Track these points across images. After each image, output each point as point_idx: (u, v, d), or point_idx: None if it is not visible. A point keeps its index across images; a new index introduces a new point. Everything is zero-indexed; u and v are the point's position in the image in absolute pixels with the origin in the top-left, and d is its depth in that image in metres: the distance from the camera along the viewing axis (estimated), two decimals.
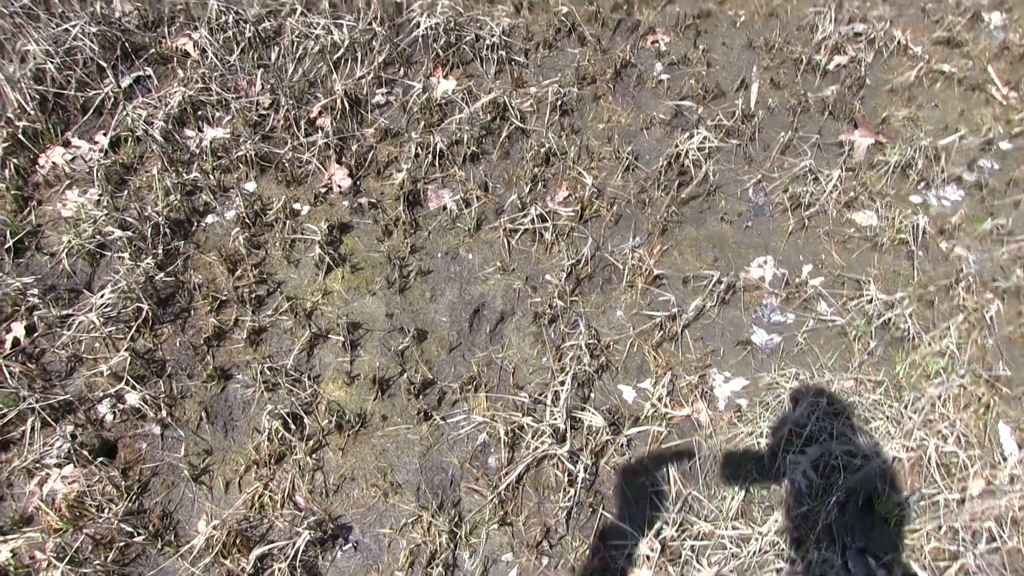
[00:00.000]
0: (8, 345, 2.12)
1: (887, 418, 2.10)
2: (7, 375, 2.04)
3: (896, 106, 2.90)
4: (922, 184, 2.66)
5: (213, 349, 2.17)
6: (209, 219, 2.39)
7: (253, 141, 2.50)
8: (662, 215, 2.53)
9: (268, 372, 2.12)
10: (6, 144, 2.41)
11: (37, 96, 2.50)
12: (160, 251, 2.28)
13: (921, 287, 2.39)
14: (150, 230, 2.30)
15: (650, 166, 2.66)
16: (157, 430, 2.05)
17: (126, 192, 2.40)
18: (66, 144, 2.48)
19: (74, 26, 2.63)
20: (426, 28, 2.85)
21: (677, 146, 2.70)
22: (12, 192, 2.36)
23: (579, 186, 2.57)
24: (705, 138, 2.72)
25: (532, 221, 2.45)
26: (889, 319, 2.29)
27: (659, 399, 2.15)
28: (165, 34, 2.77)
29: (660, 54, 3.04)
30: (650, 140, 2.74)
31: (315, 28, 2.80)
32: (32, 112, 2.47)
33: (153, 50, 2.71)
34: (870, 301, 2.33)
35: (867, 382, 2.18)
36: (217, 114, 2.57)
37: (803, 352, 2.26)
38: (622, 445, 2.06)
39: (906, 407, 2.13)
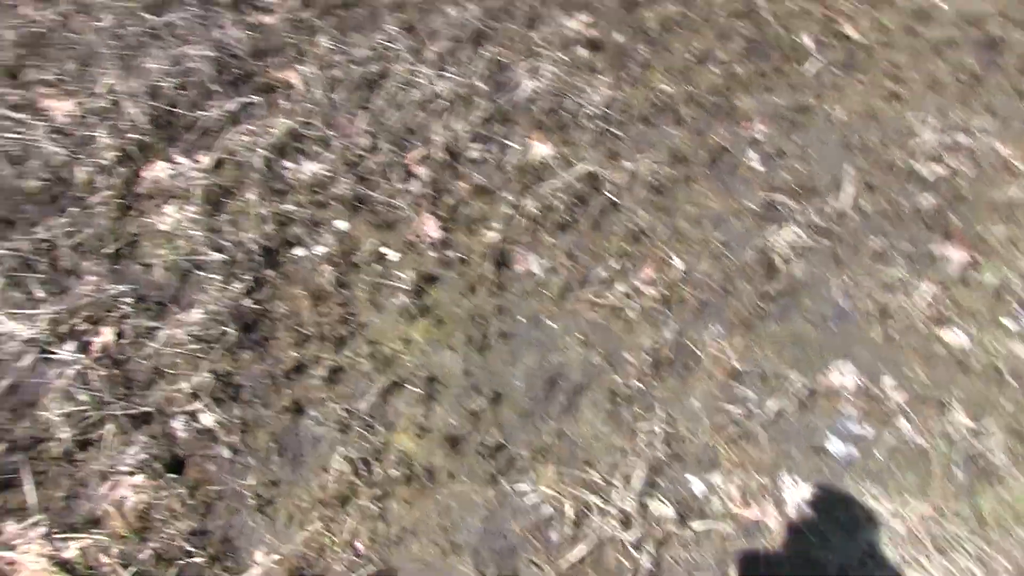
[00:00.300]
0: (98, 349, 2.29)
1: (969, 554, 2.17)
2: (94, 378, 2.21)
3: (995, 223, 3.02)
4: (1019, 308, 2.76)
5: (290, 382, 2.32)
6: (299, 252, 2.56)
7: (349, 180, 2.69)
8: (746, 307, 2.65)
9: (342, 413, 2.26)
10: (118, 155, 2.62)
11: (151, 112, 2.72)
12: (250, 277, 2.45)
13: (1012, 419, 2.47)
14: (242, 255, 2.48)
15: (738, 255, 2.79)
16: (227, 454, 2.19)
17: (222, 214, 2.59)
18: (169, 160, 2.69)
19: (193, 49, 2.87)
20: (528, 90, 3.05)
21: (766, 239, 2.84)
22: (116, 201, 2.56)
23: (666, 267, 2.70)
24: (795, 234, 2.86)
25: (616, 297, 2.59)
26: (974, 448, 2.38)
27: (728, 496, 2.25)
28: (273, 64, 3.00)
29: (755, 143, 3.20)
30: (739, 229, 2.88)
31: (419, 76, 3.01)
32: (144, 126, 2.69)
33: (260, 79, 2.94)
34: (954, 426, 2.41)
35: (948, 511, 2.26)
36: (316, 149, 2.77)
37: (881, 469, 2.35)
38: (687, 539, 2.16)
39: (990, 545, 2.19)
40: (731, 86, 3.36)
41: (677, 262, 2.70)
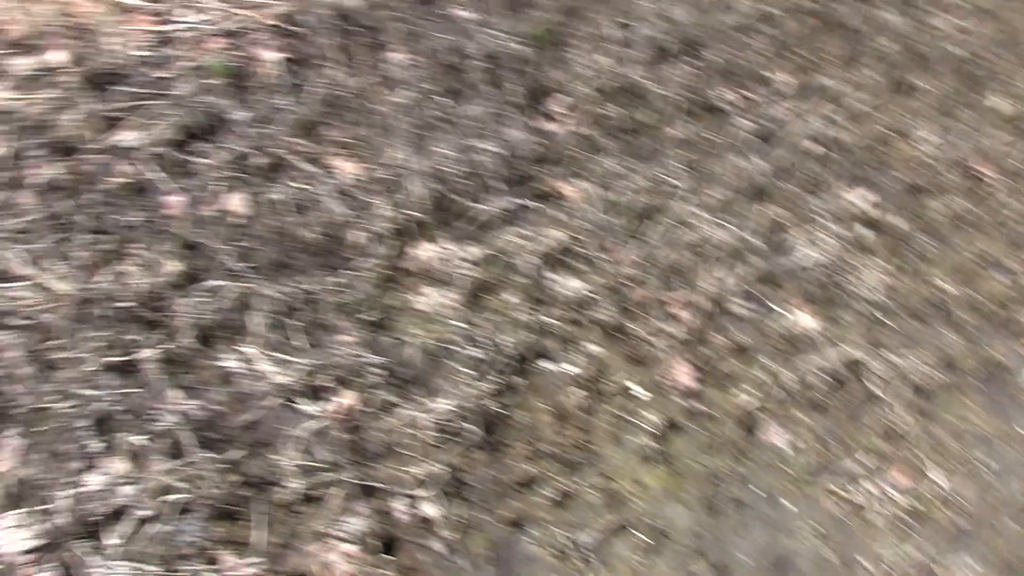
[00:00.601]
0: (340, 410, 2.62)
1: None
2: (331, 438, 2.53)
3: None
4: None
5: (517, 494, 2.56)
6: (548, 365, 2.84)
7: (609, 307, 2.98)
8: (1010, 548, 2.71)
9: (563, 539, 2.47)
10: (392, 227, 3.03)
11: (430, 193, 3.14)
12: (499, 379, 2.74)
13: None
14: (494, 355, 2.78)
15: (1005, 485, 2.86)
16: (442, 549, 2.44)
17: (481, 310, 2.92)
18: (439, 244, 3.07)
19: (480, 142, 3.30)
20: (800, 257, 3.29)
21: None
22: (381, 270, 2.95)
23: (920, 478, 2.81)
24: None
25: (862, 495, 2.72)
26: None
27: None
28: (552, 173, 3.39)
29: None
30: (1009, 457, 2.95)
31: (694, 219, 3.31)
32: (422, 205, 3.10)
33: (538, 185, 3.33)
34: None
35: None
36: (581, 267, 3.09)
37: None
38: None
39: None
40: (1016, 299, 3.48)
41: (934, 475, 2.81)
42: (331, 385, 2.68)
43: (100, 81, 3.59)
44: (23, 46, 3.76)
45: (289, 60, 3.63)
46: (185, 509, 2.38)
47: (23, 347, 2.70)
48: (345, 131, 3.35)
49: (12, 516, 2.36)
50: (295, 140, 3.29)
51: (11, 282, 2.91)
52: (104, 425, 2.54)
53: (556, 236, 3.11)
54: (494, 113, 3.48)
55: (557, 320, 2.93)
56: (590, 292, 3.00)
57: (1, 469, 2.46)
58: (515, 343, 2.83)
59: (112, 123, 3.45)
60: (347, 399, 2.66)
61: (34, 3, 3.85)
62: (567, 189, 3.33)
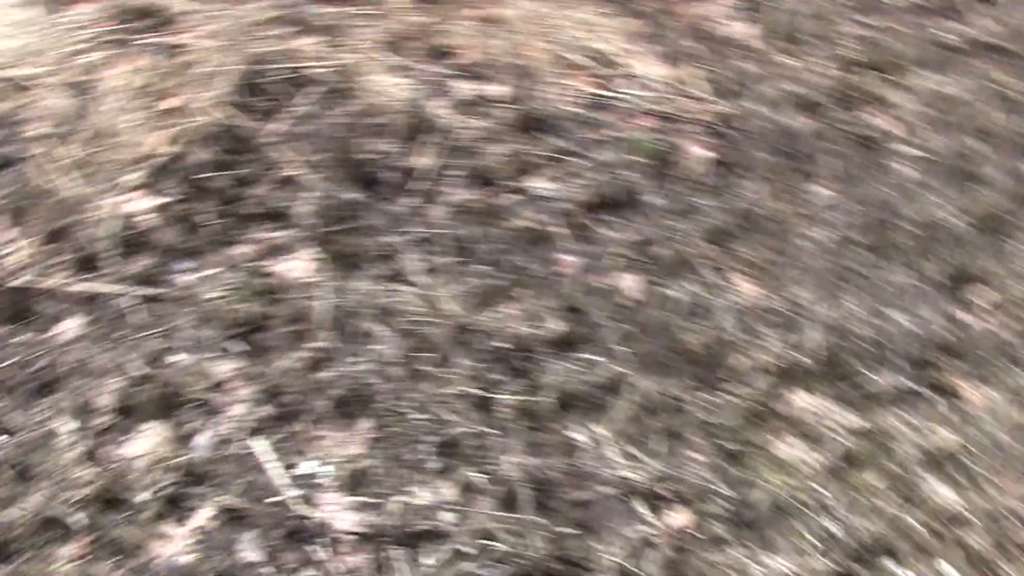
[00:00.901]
0: (673, 527, 2.83)
1: None
2: (656, 549, 2.74)
3: None
4: None
5: None
6: (893, 567, 2.84)
7: (982, 535, 2.98)
8: None
9: None
10: (777, 364, 3.23)
11: (824, 343, 3.32)
12: (839, 560, 2.83)
13: None
14: (844, 534, 2.88)
15: None
16: None
17: (842, 482, 3.03)
18: (816, 396, 3.23)
19: (891, 311, 3.45)
20: None
21: None
22: (754, 404, 3.14)
23: None
24: None
25: None
26: None
27: None
28: (956, 369, 3.44)
29: None
30: None
31: None
32: (812, 353, 3.28)
33: (937, 375, 3.39)
34: None
35: None
36: (961, 480, 3.10)
37: None
38: None
39: None
40: None
41: None
42: (670, 498, 2.89)
43: (530, 125, 4.10)
44: (470, 72, 4.37)
45: (717, 161, 3.97)
46: (500, 560, 2.67)
47: (399, 348, 3.14)
48: (755, 251, 3.60)
49: (350, 498, 2.76)
50: (704, 243, 3.59)
51: (403, 284, 3.39)
52: (447, 449, 2.91)
53: (945, 437, 3.16)
54: (912, 284, 3.60)
55: (919, 525, 2.98)
56: (965, 510, 3.02)
57: (352, 451, 2.88)
58: (869, 531, 2.91)
59: (531, 168, 3.93)
60: (683, 517, 2.86)
61: (491, 36, 4.46)
62: (969, 391, 3.37)
